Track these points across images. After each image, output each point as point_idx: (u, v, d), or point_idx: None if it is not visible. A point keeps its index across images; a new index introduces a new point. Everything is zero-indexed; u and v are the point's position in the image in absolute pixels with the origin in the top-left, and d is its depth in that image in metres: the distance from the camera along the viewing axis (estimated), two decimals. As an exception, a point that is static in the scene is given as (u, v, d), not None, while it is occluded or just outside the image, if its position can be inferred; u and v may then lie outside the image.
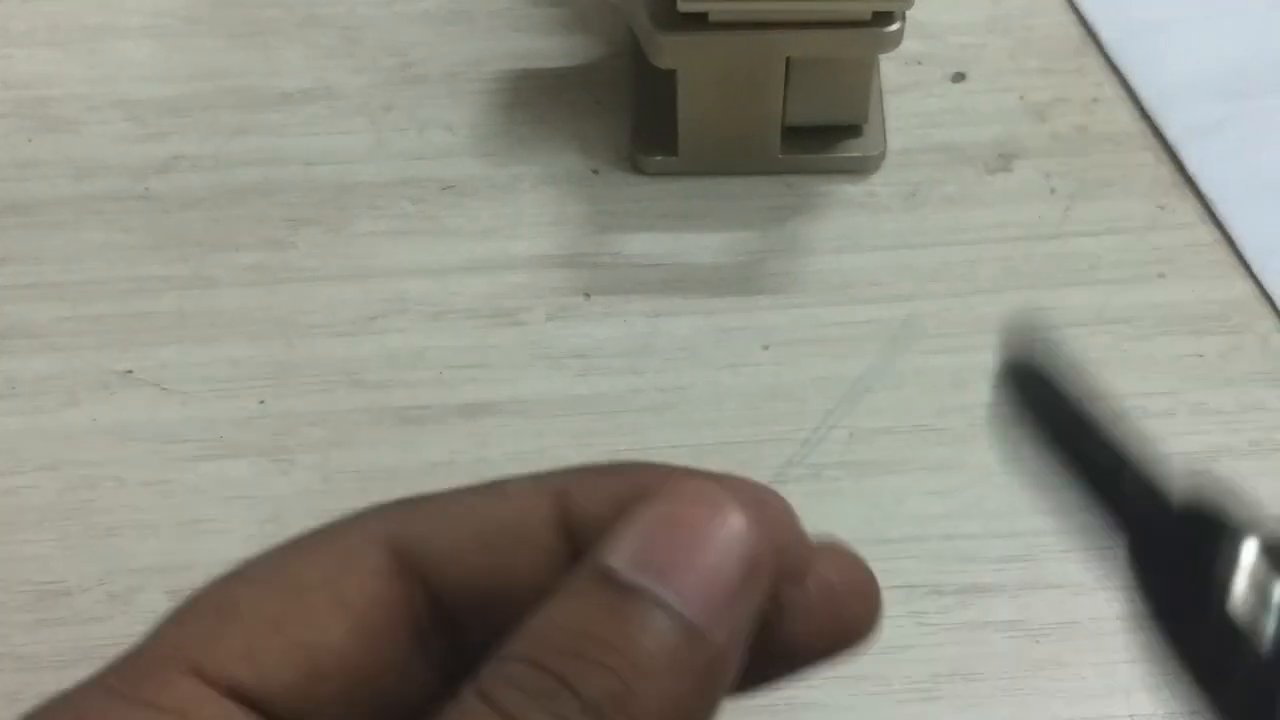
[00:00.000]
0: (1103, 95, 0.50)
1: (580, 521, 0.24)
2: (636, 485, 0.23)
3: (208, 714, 0.22)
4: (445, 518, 0.24)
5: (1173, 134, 0.49)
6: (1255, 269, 0.46)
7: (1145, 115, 0.50)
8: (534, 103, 0.50)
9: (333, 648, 0.23)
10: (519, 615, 0.22)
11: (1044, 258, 0.47)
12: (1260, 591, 0.21)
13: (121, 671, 0.23)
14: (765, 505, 0.24)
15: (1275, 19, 0.52)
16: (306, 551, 0.24)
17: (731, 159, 0.48)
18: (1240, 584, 0.21)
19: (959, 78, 0.51)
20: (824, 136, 0.48)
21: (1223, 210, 0.47)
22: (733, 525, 0.22)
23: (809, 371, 0.45)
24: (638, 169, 0.49)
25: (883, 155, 0.49)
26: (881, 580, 0.41)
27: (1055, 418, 0.22)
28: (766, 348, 0.46)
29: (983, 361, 0.45)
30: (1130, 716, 0.39)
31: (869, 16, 0.43)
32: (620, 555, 0.21)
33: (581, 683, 0.20)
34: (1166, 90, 0.50)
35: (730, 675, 0.21)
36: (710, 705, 0.21)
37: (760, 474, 0.43)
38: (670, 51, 0.44)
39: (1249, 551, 0.21)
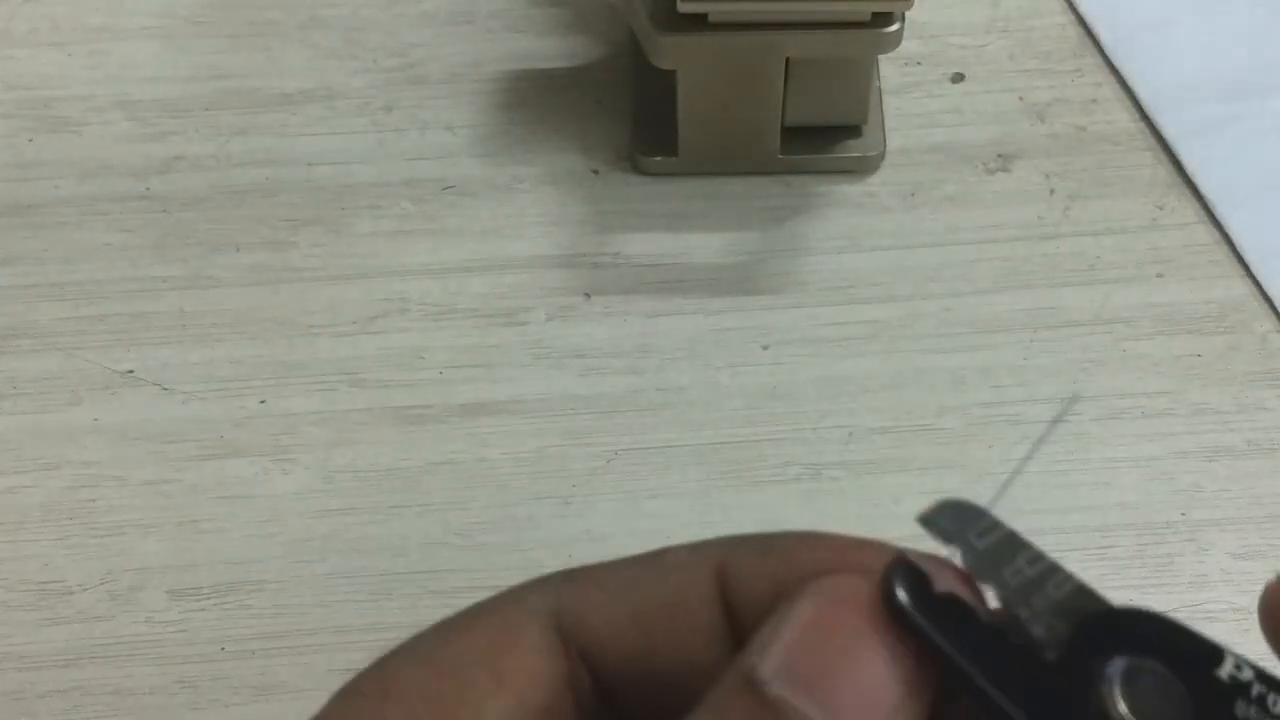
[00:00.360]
0: (1101, 96, 0.50)
1: (740, 601, 0.23)
2: (795, 567, 0.22)
3: None
4: (604, 593, 0.24)
5: (1171, 134, 0.49)
6: (1254, 269, 0.46)
7: (1144, 116, 0.50)
8: (534, 103, 0.50)
9: None
10: (679, 697, 0.21)
11: (1043, 258, 0.47)
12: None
13: None
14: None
15: (1273, 20, 0.52)
16: (466, 627, 0.24)
17: (731, 159, 0.48)
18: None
19: (958, 78, 0.51)
20: (823, 137, 0.48)
21: (1221, 211, 0.47)
22: (892, 634, 0.20)
23: (809, 371, 0.45)
24: (638, 169, 0.49)
25: (882, 155, 0.49)
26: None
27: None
28: (766, 348, 0.46)
29: (983, 361, 0.46)
30: (1128, 715, 0.39)
31: (868, 17, 0.43)
32: (769, 663, 0.20)
33: None
34: (1165, 91, 0.50)
35: None
36: None
37: (760, 475, 0.44)
38: (670, 52, 0.44)
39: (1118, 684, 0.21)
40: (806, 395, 0.45)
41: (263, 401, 0.45)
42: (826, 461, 0.43)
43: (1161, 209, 0.48)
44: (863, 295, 0.46)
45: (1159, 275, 0.47)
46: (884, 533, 0.43)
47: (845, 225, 0.48)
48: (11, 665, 0.41)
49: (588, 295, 0.47)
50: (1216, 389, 0.45)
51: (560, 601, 0.24)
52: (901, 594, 0.20)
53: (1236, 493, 0.43)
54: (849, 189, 0.49)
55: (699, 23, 0.43)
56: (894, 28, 0.43)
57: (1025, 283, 0.47)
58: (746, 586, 0.23)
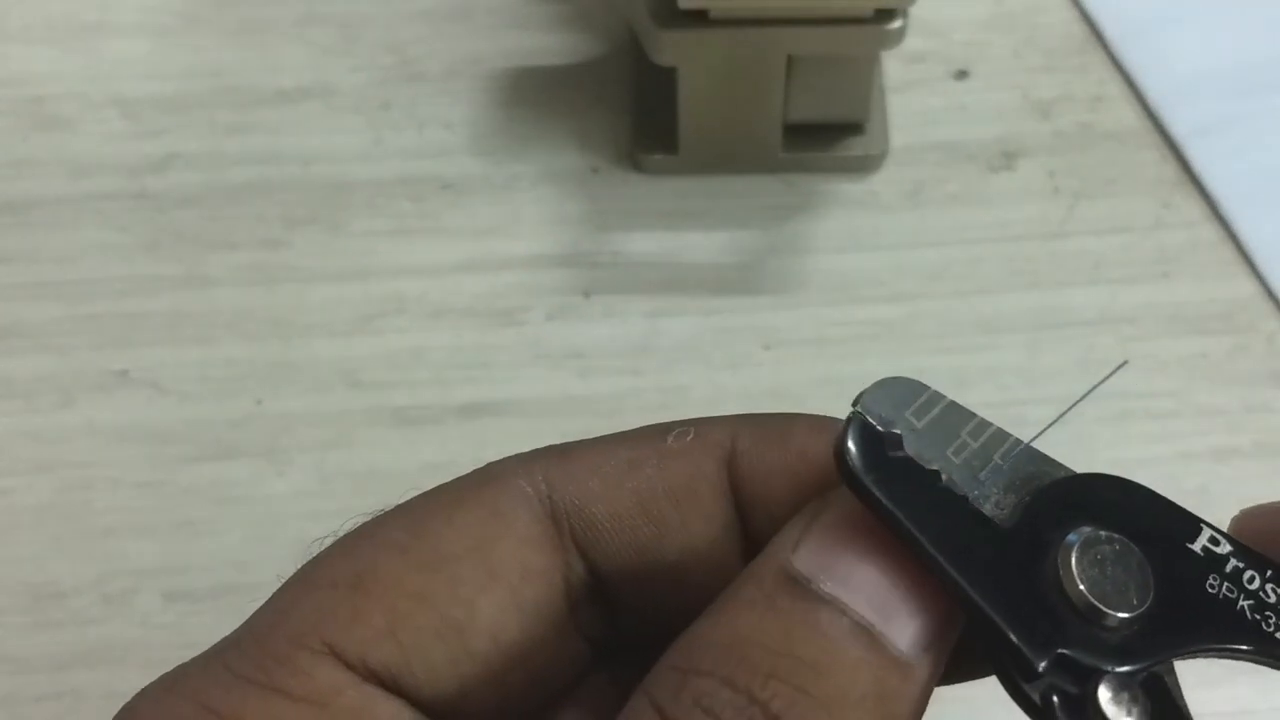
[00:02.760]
0: (1106, 93, 0.50)
1: (753, 493, 0.22)
2: (809, 460, 0.21)
3: (347, 702, 0.20)
4: (602, 479, 0.22)
5: (1177, 132, 0.48)
6: (1261, 268, 0.46)
7: (1149, 113, 0.49)
8: (533, 101, 0.50)
9: (484, 626, 0.21)
10: (680, 588, 0.21)
11: (1047, 257, 0.47)
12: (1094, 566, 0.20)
13: (246, 651, 0.21)
14: None
15: (1278, 18, 0.51)
16: (449, 512, 0.22)
17: (732, 157, 0.48)
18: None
19: (962, 75, 0.50)
20: (825, 134, 0.48)
21: (1228, 209, 0.47)
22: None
23: (810, 371, 0.45)
24: (638, 167, 0.48)
25: (885, 153, 0.48)
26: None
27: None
28: (767, 348, 0.45)
29: (985, 361, 0.45)
30: None
31: (871, 13, 0.42)
32: (811, 561, 0.19)
33: (784, 709, 0.18)
34: (1171, 88, 0.49)
35: (924, 710, 0.20)
36: None
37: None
38: (670, 48, 0.44)
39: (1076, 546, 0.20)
40: (808, 396, 0.44)
41: (259, 402, 0.45)
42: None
43: (1167, 208, 0.48)
44: (865, 295, 0.46)
45: (1165, 275, 0.46)
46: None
47: (847, 224, 0.47)
48: (4, 668, 0.41)
49: (587, 295, 0.46)
50: (1223, 389, 0.44)
51: (553, 486, 0.22)
52: (853, 453, 0.20)
53: (1243, 494, 0.42)
54: (851, 187, 0.48)
55: (700, 19, 0.43)
56: (897, 24, 0.43)
57: (1030, 282, 0.46)
58: (761, 479, 0.22)
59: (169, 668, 0.42)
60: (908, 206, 0.48)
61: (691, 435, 0.22)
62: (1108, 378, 0.24)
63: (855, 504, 0.20)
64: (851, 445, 0.20)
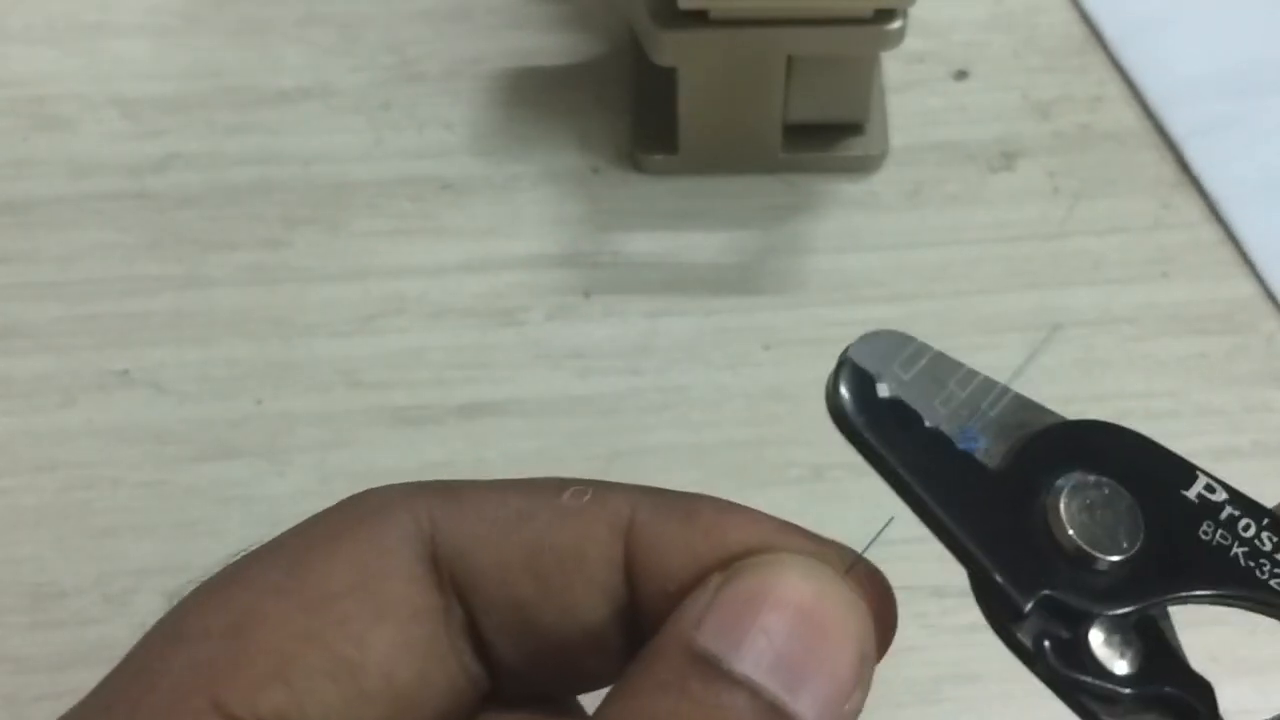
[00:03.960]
0: (1106, 93, 0.50)
1: (648, 567, 0.21)
2: (720, 545, 0.21)
3: None
4: (489, 526, 0.21)
5: (1176, 132, 0.48)
6: (1260, 268, 0.46)
7: (1149, 114, 0.49)
8: (533, 101, 0.50)
9: (376, 664, 0.20)
10: (557, 650, 0.20)
11: (1047, 257, 0.47)
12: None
13: (132, 705, 0.19)
14: (876, 581, 0.22)
15: (1277, 17, 0.51)
16: (329, 547, 0.21)
17: (732, 157, 0.48)
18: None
19: (961, 76, 0.51)
20: (825, 135, 0.48)
21: (1226, 209, 0.47)
22: (856, 625, 0.20)
23: (809, 371, 0.45)
24: (638, 167, 0.48)
25: (884, 154, 0.48)
26: (883, 582, 0.41)
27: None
28: (767, 348, 0.45)
29: (985, 362, 0.45)
30: (1134, 719, 0.39)
31: (871, 14, 0.42)
32: (719, 638, 0.19)
33: None
34: (1170, 88, 0.49)
35: None
36: None
37: (761, 475, 0.43)
38: (670, 49, 0.44)
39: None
40: (808, 395, 0.44)
41: (259, 402, 0.45)
42: (828, 462, 0.43)
43: (1167, 208, 0.48)
44: (865, 295, 0.46)
45: (1164, 275, 0.46)
46: (887, 533, 0.42)
47: (847, 224, 0.47)
48: (5, 669, 0.41)
49: (587, 295, 0.46)
50: (1222, 389, 0.44)
51: (437, 526, 0.21)
52: (844, 395, 0.20)
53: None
54: (851, 187, 0.48)
55: (700, 19, 0.43)
56: (896, 25, 0.43)
57: (1029, 282, 0.46)
58: (659, 554, 0.21)
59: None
60: (907, 207, 0.48)
61: (589, 496, 0.22)
62: (1041, 345, 0.24)
63: (757, 576, 0.20)
64: (843, 388, 0.20)
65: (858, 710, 0.20)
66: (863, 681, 0.20)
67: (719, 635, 0.19)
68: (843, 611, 0.20)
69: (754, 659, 0.19)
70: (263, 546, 0.21)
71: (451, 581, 0.21)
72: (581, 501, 0.21)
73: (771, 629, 0.19)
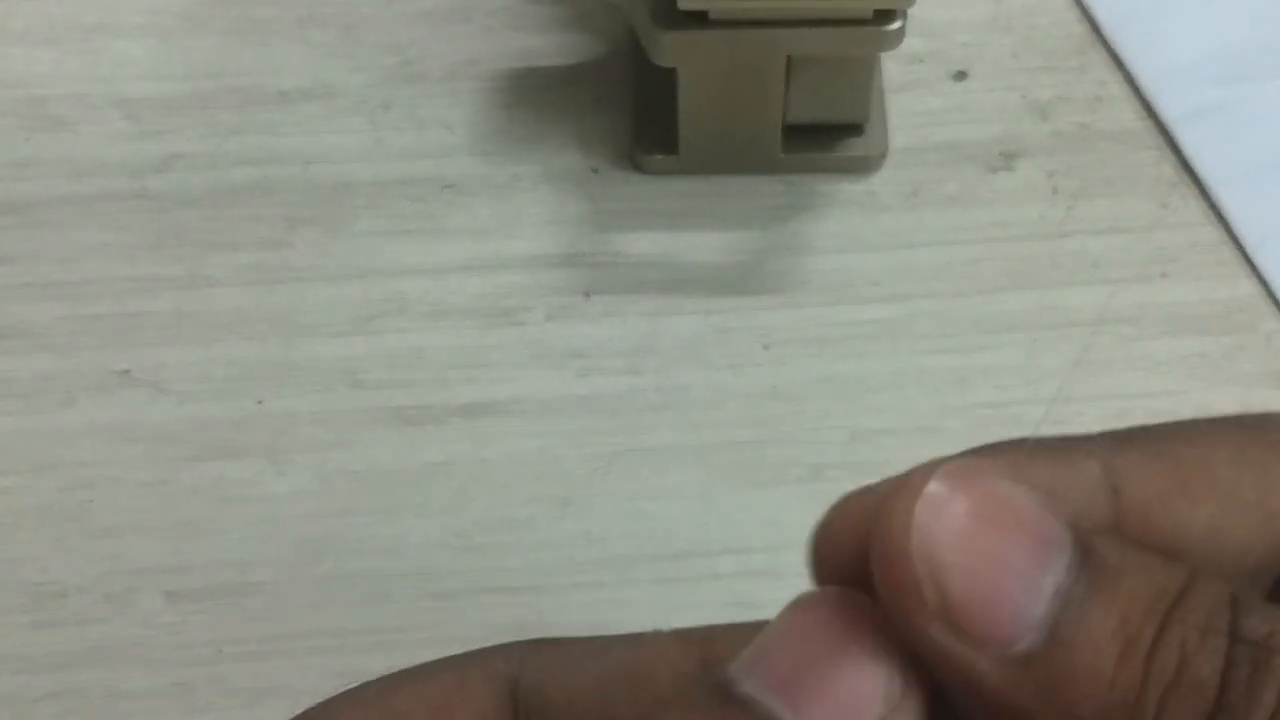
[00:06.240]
0: (1105, 94, 0.50)
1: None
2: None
3: None
4: (568, 660, 0.22)
5: (1170, 117, 0.48)
6: (1252, 255, 0.46)
7: (1149, 113, 0.49)
8: (533, 101, 0.50)
9: None
10: None
11: (1046, 257, 0.47)
12: None
13: None
14: None
15: (1272, 2, 0.51)
16: (421, 678, 0.23)
17: (732, 158, 0.48)
18: None
19: (961, 76, 0.51)
20: (825, 135, 0.48)
21: (1220, 195, 0.47)
22: (878, 641, 0.19)
23: (810, 371, 0.45)
24: (638, 168, 0.48)
25: (884, 154, 0.48)
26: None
27: None
28: (767, 348, 0.45)
29: (986, 361, 0.45)
30: (1133, 719, 0.39)
31: (870, 14, 0.42)
32: (739, 663, 0.19)
33: None
34: (1164, 73, 0.49)
35: None
36: None
37: (761, 475, 0.43)
38: (670, 49, 0.44)
39: None
40: (808, 396, 0.44)
41: (260, 402, 0.45)
42: (828, 462, 0.43)
43: (1166, 208, 0.48)
44: (865, 295, 0.46)
45: (1163, 275, 0.46)
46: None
47: (847, 224, 0.48)
48: (6, 668, 0.41)
49: (587, 295, 0.46)
50: (1221, 389, 0.44)
51: (523, 667, 0.23)
52: None
53: (1242, 494, 0.43)
54: (851, 188, 0.48)
55: (700, 20, 0.43)
56: (896, 25, 0.43)
57: (1029, 282, 0.46)
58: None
59: (170, 667, 0.43)
60: (907, 207, 0.48)
61: (670, 632, 0.22)
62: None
63: (795, 614, 0.19)
64: None
65: None
66: (897, 705, 0.19)
67: (736, 658, 0.19)
68: (843, 627, 0.19)
69: (748, 671, 0.19)
70: (389, 674, 0.23)
71: (528, 713, 0.22)
72: (661, 634, 0.22)
73: (764, 646, 0.19)
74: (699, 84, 0.46)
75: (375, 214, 0.48)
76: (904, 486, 0.18)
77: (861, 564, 0.19)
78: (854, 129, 0.48)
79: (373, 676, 0.24)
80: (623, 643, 0.22)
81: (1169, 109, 0.49)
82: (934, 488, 0.18)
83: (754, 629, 0.20)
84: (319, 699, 0.23)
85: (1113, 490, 0.19)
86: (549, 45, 0.51)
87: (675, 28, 0.43)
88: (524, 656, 0.23)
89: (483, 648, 0.23)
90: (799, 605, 0.19)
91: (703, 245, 0.47)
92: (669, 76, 0.46)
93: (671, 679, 0.21)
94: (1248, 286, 0.46)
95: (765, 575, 0.41)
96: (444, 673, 0.23)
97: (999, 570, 0.18)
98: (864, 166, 0.48)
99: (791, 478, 0.43)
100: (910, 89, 0.50)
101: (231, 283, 0.47)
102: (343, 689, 0.23)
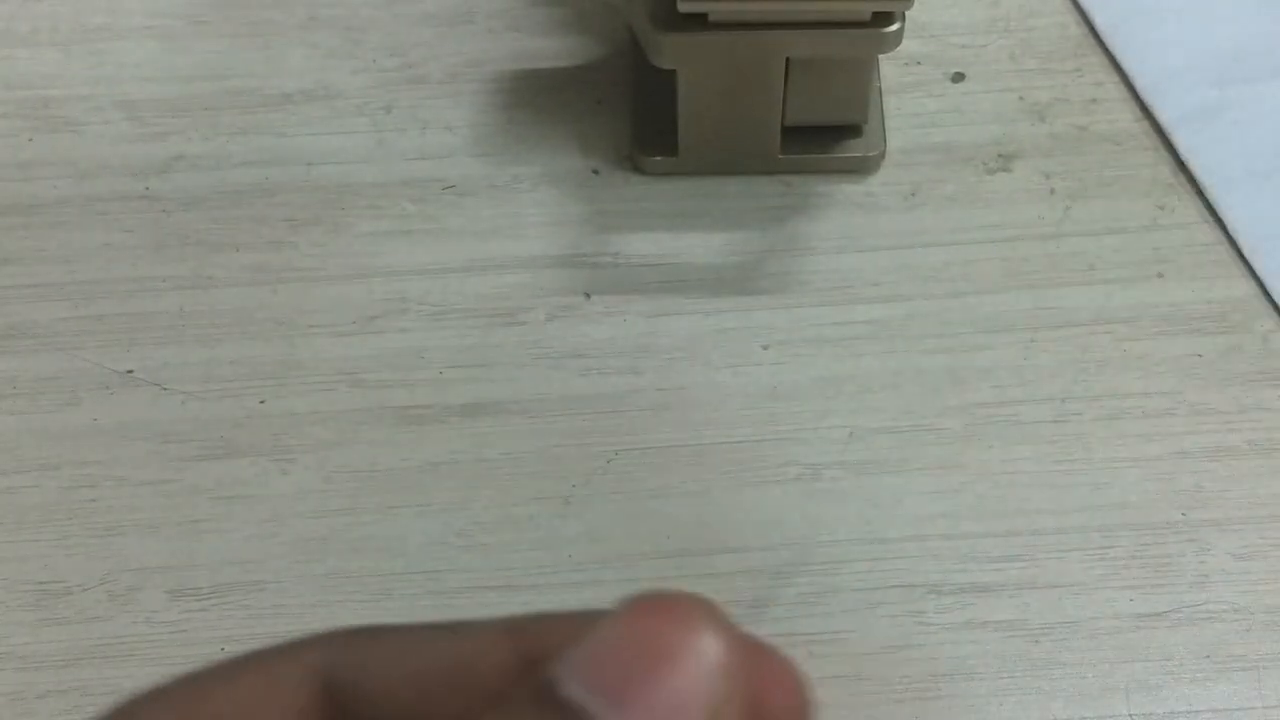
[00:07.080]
0: (1102, 95, 0.50)
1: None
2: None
3: None
4: (386, 653, 0.22)
5: (1166, 118, 0.49)
6: (1249, 256, 0.46)
7: (1146, 114, 0.50)
8: (534, 103, 0.50)
9: None
10: None
11: (1043, 258, 0.47)
12: None
13: None
14: (763, 654, 0.21)
15: (1268, 4, 0.52)
16: (230, 677, 0.22)
17: (731, 159, 0.48)
18: None
19: (958, 78, 0.51)
20: (824, 136, 0.48)
21: (1217, 196, 0.47)
22: (707, 648, 0.18)
23: (809, 371, 0.45)
24: (638, 169, 0.49)
25: (882, 155, 0.49)
26: (881, 580, 0.42)
27: None
28: (766, 348, 0.46)
29: (983, 361, 0.46)
30: (1130, 716, 0.39)
31: (869, 17, 0.43)
32: (564, 664, 0.18)
33: None
34: (1160, 76, 0.50)
35: None
36: None
37: (761, 475, 0.44)
38: (670, 51, 0.44)
39: None
40: (807, 395, 0.45)
41: (262, 401, 0.45)
42: (827, 462, 0.43)
43: (1162, 209, 0.48)
44: (863, 295, 0.46)
45: (1160, 275, 0.47)
46: (884, 532, 0.43)
47: (845, 225, 0.48)
48: (11, 665, 0.41)
49: (588, 295, 0.47)
50: (1217, 389, 0.44)
51: (337, 660, 0.22)
52: None
53: (1237, 493, 0.43)
54: (849, 189, 0.49)
55: (699, 22, 0.43)
56: (894, 27, 0.43)
57: (1026, 283, 0.47)
58: (551, 647, 0.20)
59: (173, 665, 0.43)
60: (905, 207, 0.48)
61: (490, 622, 0.22)
62: None
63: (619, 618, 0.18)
64: None
65: None
66: (723, 699, 0.18)
67: (560, 659, 0.19)
68: (683, 630, 0.19)
69: (573, 673, 0.18)
70: (194, 671, 0.22)
71: (343, 711, 0.22)
72: (482, 623, 0.22)
73: (590, 649, 0.19)
74: (698, 86, 0.46)
75: (377, 215, 0.48)
76: None
77: None
78: (852, 130, 0.49)
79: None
80: (445, 632, 0.22)
81: (1165, 111, 0.49)
82: None
83: (580, 619, 0.20)
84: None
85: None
86: (550, 47, 0.52)
87: (675, 30, 0.43)
88: (342, 648, 0.22)
89: (297, 639, 0.22)
90: (629, 605, 0.19)
91: (702, 246, 0.47)
92: (669, 78, 0.46)
93: (494, 673, 0.21)
94: (1244, 287, 0.46)
95: (764, 574, 0.41)
96: (254, 670, 0.22)
97: None
98: (862, 167, 0.49)
99: (790, 477, 0.43)
100: (908, 91, 0.51)
101: (234, 283, 0.47)
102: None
